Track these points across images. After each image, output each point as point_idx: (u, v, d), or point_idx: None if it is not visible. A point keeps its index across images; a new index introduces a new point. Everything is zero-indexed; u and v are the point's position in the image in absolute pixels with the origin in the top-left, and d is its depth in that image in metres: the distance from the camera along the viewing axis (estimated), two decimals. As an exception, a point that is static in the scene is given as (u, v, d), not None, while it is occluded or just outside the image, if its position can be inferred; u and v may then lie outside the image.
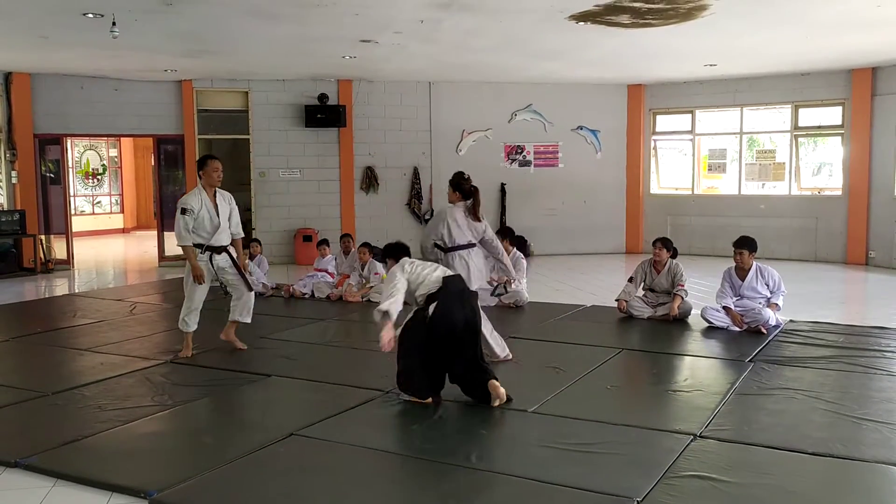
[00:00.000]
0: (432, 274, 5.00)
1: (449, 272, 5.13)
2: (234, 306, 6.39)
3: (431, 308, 4.84)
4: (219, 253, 6.16)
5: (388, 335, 4.77)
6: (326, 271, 9.64)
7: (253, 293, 6.49)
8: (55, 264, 12.37)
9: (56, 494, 3.69)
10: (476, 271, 5.88)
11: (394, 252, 5.32)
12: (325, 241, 10.18)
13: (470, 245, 5.91)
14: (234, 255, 6.29)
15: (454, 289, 4.95)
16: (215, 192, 6.21)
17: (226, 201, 6.29)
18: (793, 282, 8.88)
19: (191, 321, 6.27)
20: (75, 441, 4.32)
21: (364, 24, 8.50)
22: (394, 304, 4.80)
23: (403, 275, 4.98)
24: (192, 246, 6.07)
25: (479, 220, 5.93)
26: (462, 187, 5.93)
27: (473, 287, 5.54)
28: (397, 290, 4.88)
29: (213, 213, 6.12)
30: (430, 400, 4.93)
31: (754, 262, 7.20)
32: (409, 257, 5.26)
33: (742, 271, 7.19)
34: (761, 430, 4.42)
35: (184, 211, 6.03)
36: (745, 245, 7.16)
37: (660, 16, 8.17)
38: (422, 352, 4.88)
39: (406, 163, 13.45)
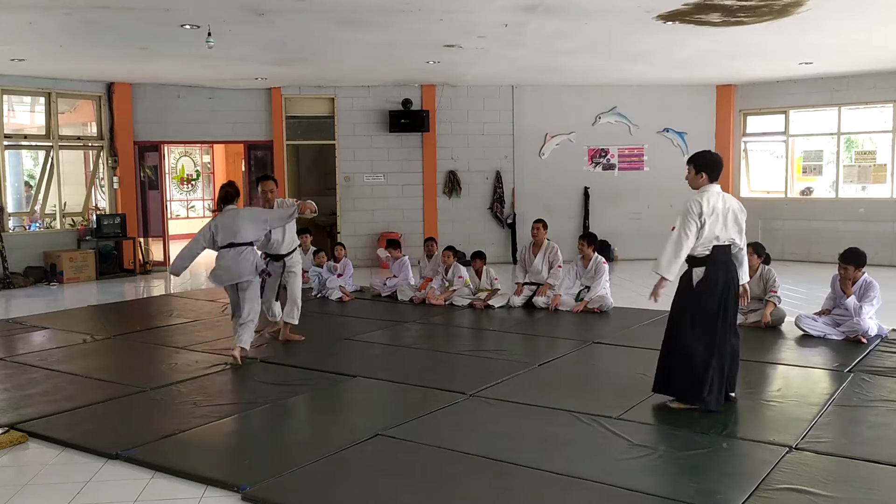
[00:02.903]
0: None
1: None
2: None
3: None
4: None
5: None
6: (394, 276, 9.72)
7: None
8: (152, 266, 12.94)
9: (154, 486, 3.85)
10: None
11: None
12: (393, 243, 10.00)
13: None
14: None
15: None
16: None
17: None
18: (894, 289, 8.45)
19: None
20: (172, 435, 4.51)
21: (448, 29, 8.56)
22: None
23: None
24: None
25: None
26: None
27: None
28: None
29: None
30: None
31: (862, 277, 6.70)
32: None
33: (846, 284, 6.73)
34: (862, 443, 4.23)
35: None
36: (851, 260, 6.63)
37: (753, 13, 7.92)
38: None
39: (488, 167, 13.46)
